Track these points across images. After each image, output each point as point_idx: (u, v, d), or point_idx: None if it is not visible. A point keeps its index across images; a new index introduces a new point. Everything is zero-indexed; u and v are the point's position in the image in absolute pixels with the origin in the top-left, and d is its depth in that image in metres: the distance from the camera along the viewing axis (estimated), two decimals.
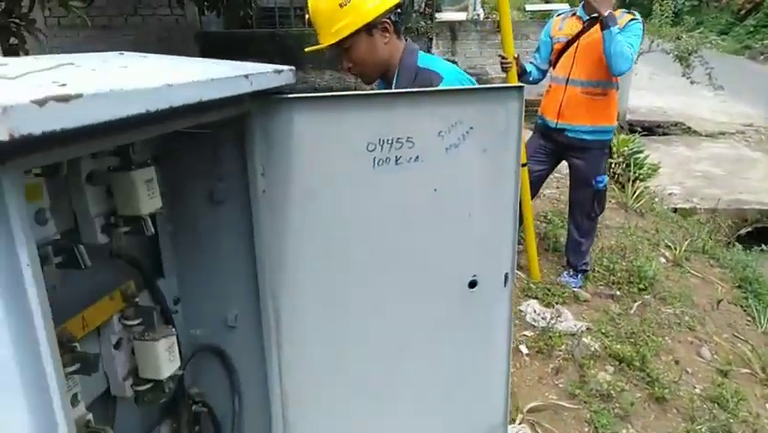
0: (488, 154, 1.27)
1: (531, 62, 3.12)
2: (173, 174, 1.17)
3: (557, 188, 4.81)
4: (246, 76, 0.92)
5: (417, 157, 1.22)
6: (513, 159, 1.29)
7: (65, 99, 0.55)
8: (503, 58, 2.82)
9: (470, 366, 1.39)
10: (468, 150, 1.25)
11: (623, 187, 4.85)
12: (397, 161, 1.21)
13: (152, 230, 0.97)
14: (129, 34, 7.98)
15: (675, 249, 3.95)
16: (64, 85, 0.61)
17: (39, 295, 0.63)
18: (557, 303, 3.10)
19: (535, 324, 2.91)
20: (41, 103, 0.53)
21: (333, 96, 1.13)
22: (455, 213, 1.28)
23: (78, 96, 0.57)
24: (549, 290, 3.20)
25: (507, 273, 1.36)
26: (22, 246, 0.62)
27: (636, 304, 3.20)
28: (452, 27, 8.24)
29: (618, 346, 2.79)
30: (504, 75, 2.91)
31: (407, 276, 1.28)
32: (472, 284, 1.34)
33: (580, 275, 3.27)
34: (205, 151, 1.17)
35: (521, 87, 1.25)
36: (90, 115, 0.59)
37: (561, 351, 2.75)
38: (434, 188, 1.25)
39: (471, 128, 1.24)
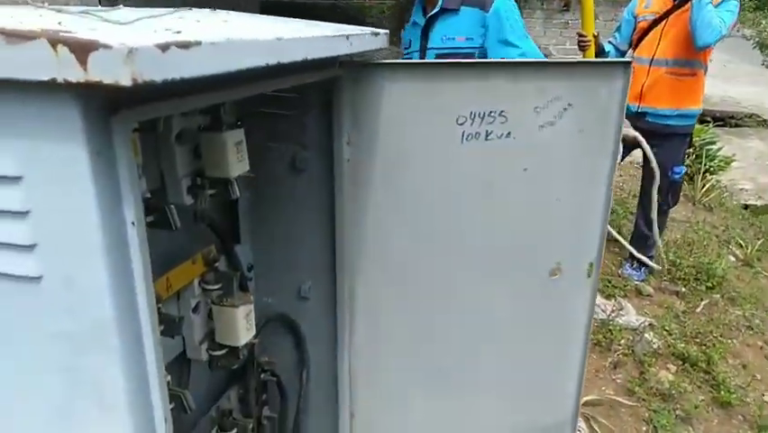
0: (584, 135, 1.18)
1: (610, 42, 2.96)
2: (255, 138, 1.13)
3: (620, 175, 4.61)
4: (347, 36, 0.86)
5: (509, 133, 1.15)
6: (611, 142, 1.19)
7: (185, 46, 0.51)
8: (581, 36, 2.67)
9: (544, 357, 1.33)
10: (563, 129, 1.16)
11: (691, 179, 4.61)
12: (487, 136, 1.14)
13: (238, 194, 0.94)
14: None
15: (746, 248, 3.73)
16: (179, 32, 0.56)
17: (142, 255, 0.61)
18: (618, 296, 2.97)
19: (595, 315, 2.81)
20: (164, 48, 0.49)
21: (428, 63, 1.07)
22: (544, 195, 1.20)
23: (198, 43, 0.53)
24: (610, 282, 3.08)
25: (592, 263, 1.28)
26: (129, 204, 0.59)
27: (703, 303, 3.04)
28: (517, 4, 7.96)
29: (683, 346, 2.66)
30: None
31: (488, 258, 1.21)
32: (554, 272, 1.27)
33: (643, 268, 3.13)
34: (290, 116, 1.13)
35: (628, 64, 1.15)
36: (207, 64, 0.54)
37: (620, 345, 2.64)
38: (523, 168, 1.18)
39: (570, 105, 1.15)
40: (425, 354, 1.24)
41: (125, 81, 0.47)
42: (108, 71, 0.47)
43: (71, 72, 0.48)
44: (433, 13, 2.06)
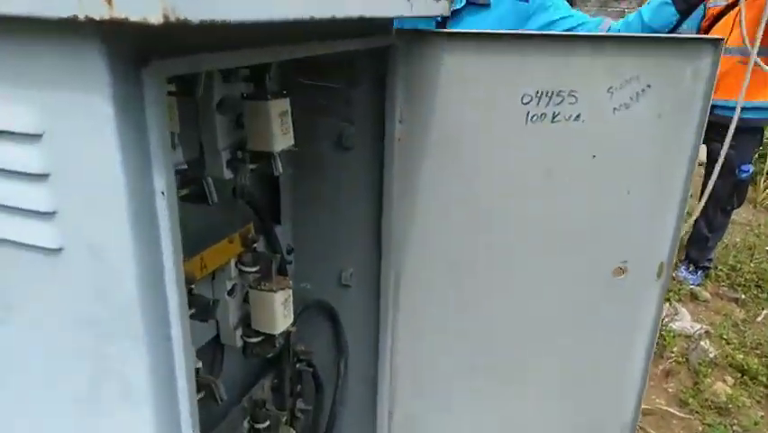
0: (663, 121, 1.06)
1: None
2: (299, 113, 1.05)
3: None
4: None
5: (579, 116, 1.04)
6: (693, 131, 1.07)
7: None
8: None
9: (604, 361, 1.22)
10: (639, 113, 1.04)
11: (753, 179, 4.34)
12: (554, 117, 1.03)
13: (281, 170, 0.86)
14: None
15: None
16: None
17: (172, 230, 0.53)
18: (673, 300, 2.81)
19: None
20: None
21: (493, 33, 0.96)
22: (613, 186, 1.09)
23: None
24: None
25: (662, 263, 1.16)
26: (159, 170, 0.52)
27: (765, 312, 2.84)
28: None
29: (741, 357, 2.49)
30: None
31: (547, 251, 1.11)
32: (619, 271, 1.16)
33: (700, 272, 2.95)
34: (337, 90, 1.04)
35: (718, 41, 1.02)
36: (251, 8, 0.46)
37: (673, 352, 2.49)
38: (592, 155, 1.06)
39: (648, 86, 1.03)
40: (475, 350, 1.14)
41: (155, 18, 0.39)
42: (136, 6, 0.39)
43: (94, 7, 0.41)
44: (456, 8, 1.84)
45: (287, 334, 0.98)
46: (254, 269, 0.93)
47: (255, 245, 0.94)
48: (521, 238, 1.09)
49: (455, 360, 1.15)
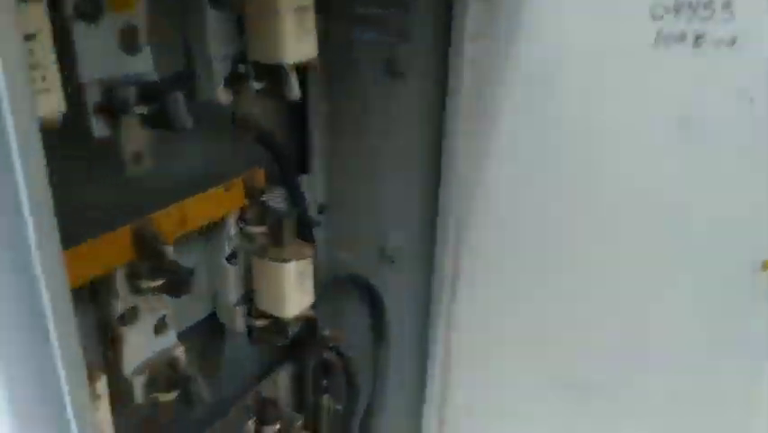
0: None
1: None
2: (336, 26, 0.79)
3: None
4: None
5: (734, 40, 0.72)
6: None
7: None
8: None
9: (732, 385, 0.91)
10: None
11: None
12: (697, 40, 0.72)
13: (296, 92, 0.61)
14: None
15: None
16: None
17: (26, 133, 0.29)
18: None
19: None
20: None
21: None
22: None
23: None
24: None
25: None
26: None
27: None
28: None
29: None
30: None
31: (667, 229, 0.81)
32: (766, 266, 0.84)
33: None
34: None
35: None
36: None
37: None
38: (750, 98, 0.74)
39: None
40: (558, 355, 0.87)
41: None
42: None
43: None
44: None
45: (305, 319, 0.74)
46: (261, 229, 0.69)
47: (264, 198, 0.70)
48: (634, 210, 0.79)
49: (532, 369, 0.87)
